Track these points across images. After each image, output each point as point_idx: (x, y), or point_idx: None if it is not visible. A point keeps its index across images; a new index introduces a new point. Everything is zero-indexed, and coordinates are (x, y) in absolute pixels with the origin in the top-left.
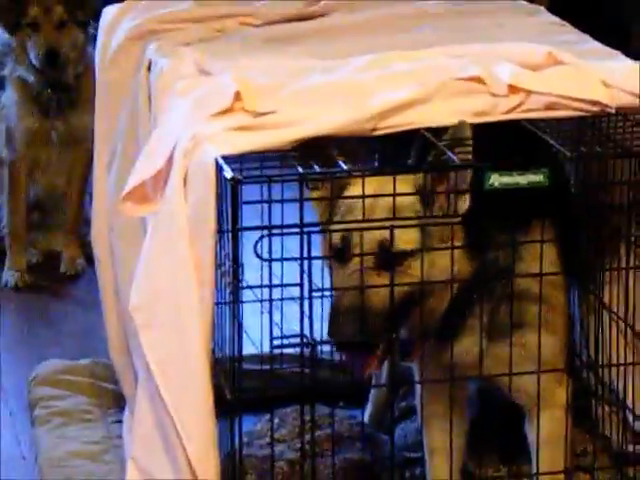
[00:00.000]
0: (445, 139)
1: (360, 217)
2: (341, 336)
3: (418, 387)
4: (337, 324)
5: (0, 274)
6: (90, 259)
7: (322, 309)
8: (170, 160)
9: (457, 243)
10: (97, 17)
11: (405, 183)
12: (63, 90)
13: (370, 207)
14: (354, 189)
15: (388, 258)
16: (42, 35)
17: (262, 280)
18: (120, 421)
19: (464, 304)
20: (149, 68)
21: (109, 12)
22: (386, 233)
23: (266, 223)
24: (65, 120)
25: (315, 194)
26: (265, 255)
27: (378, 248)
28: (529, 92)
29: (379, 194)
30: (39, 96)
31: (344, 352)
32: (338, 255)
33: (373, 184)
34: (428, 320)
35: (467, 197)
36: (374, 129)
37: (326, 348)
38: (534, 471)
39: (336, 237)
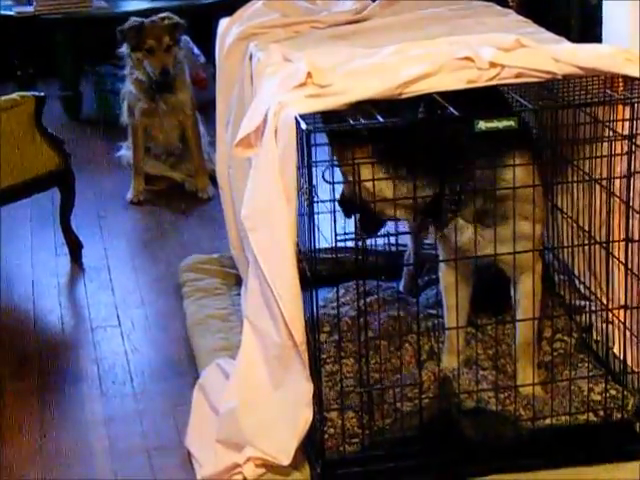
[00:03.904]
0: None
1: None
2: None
3: (440, 265)
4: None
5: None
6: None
7: None
8: (265, 119)
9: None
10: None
11: None
12: (164, 87)
13: None
14: None
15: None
16: (157, 58)
17: (330, 196)
18: (239, 294)
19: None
20: (251, 59)
21: (223, 22)
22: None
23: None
24: (165, 101)
25: None
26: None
27: None
28: (503, 66)
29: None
30: (148, 90)
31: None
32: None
33: None
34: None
35: None
36: (401, 94)
37: (372, 241)
38: (515, 318)
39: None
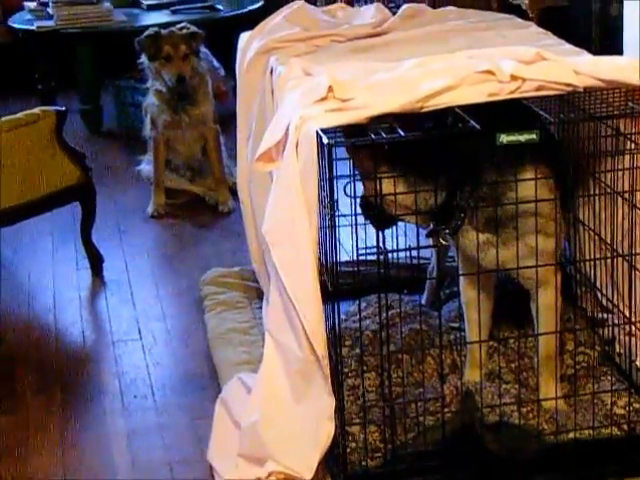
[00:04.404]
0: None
1: None
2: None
3: (461, 278)
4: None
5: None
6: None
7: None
8: (286, 133)
9: None
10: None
11: None
12: (185, 96)
13: None
14: None
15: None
16: (174, 65)
17: (351, 210)
18: (261, 307)
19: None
20: (271, 72)
21: (243, 37)
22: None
23: (351, 173)
24: (187, 113)
25: None
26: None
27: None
28: (524, 79)
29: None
30: (170, 101)
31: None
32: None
33: None
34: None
35: None
36: (422, 107)
37: (394, 255)
38: (536, 332)
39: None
